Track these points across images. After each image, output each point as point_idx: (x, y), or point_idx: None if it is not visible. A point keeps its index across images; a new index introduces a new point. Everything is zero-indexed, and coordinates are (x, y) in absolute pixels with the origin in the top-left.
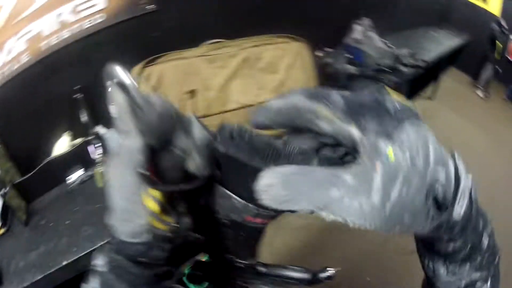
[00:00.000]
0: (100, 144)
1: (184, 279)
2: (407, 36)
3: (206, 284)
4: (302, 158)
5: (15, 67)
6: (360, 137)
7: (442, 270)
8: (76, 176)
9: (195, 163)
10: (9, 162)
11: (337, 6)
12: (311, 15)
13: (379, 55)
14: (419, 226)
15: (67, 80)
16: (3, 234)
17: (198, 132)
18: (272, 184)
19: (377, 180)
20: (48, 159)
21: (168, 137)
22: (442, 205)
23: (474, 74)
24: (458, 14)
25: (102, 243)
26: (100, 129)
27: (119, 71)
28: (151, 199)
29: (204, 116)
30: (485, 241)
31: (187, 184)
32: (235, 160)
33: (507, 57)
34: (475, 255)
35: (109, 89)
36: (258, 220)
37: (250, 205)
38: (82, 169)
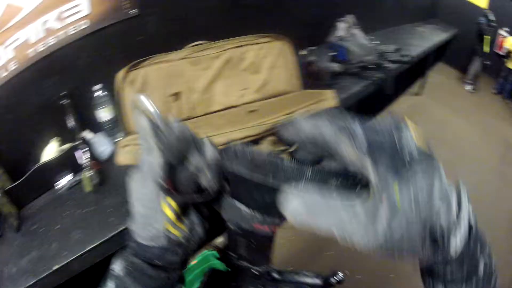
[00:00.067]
0: (87, 148)
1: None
2: (392, 33)
3: None
4: (298, 170)
5: (3, 75)
6: (373, 172)
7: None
8: (65, 181)
9: (206, 178)
10: (0, 169)
11: (320, 4)
12: (294, 14)
13: (363, 52)
14: (416, 254)
15: (54, 86)
16: None
17: (209, 151)
18: (295, 208)
19: (382, 211)
20: (37, 165)
21: (184, 155)
22: (440, 237)
23: (462, 68)
24: (446, 8)
25: (91, 246)
26: (87, 134)
27: (144, 100)
28: (168, 207)
29: (189, 118)
30: (481, 265)
31: (199, 196)
32: (239, 176)
33: (495, 51)
34: (471, 278)
35: (135, 115)
36: (266, 227)
37: (256, 214)
38: (71, 174)
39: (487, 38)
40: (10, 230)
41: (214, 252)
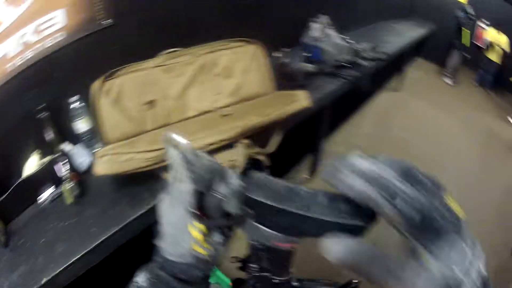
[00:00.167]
0: (66, 160)
1: None
2: (369, 31)
3: None
4: (312, 196)
5: None
6: (412, 241)
7: None
8: (47, 194)
9: (232, 205)
10: None
11: (293, 6)
12: (267, 16)
13: (338, 52)
14: None
15: (33, 99)
16: None
17: (234, 180)
18: (339, 255)
19: (407, 274)
20: (20, 179)
21: (212, 184)
22: None
23: (441, 62)
24: (423, 4)
25: (74, 258)
26: (66, 146)
27: (175, 136)
28: (196, 229)
29: (164, 125)
30: None
31: (225, 220)
32: (261, 202)
33: (475, 43)
34: None
35: (167, 148)
36: (287, 244)
37: (278, 234)
38: (53, 187)
39: (466, 31)
40: None
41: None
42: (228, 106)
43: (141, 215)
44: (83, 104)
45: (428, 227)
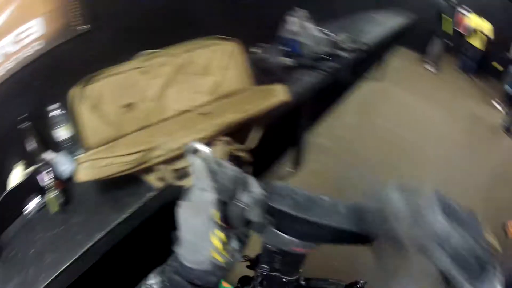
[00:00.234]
0: (50, 169)
1: None
2: (348, 22)
3: None
4: (332, 206)
5: None
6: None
7: None
8: (33, 204)
9: (254, 213)
10: None
11: (269, 1)
12: (243, 13)
13: (316, 44)
14: None
15: (15, 110)
16: None
17: (256, 189)
18: None
19: None
20: (5, 193)
21: (235, 194)
22: None
23: (423, 50)
24: None
25: (63, 267)
26: (49, 154)
27: (199, 145)
28: (216, 238)
29: (144, 128)
30: None
31: (246, 229)
32: (283, 211)
33: (457, 30)
34: None
35: (191, 158)
36: (302, 249)
37: (296, 240)
38: (38, 197)
39: (447, 18)
40: None
41: None
42: (206, 104)
43: (124, 220)
44: (63, 111)
45: (475, 266)
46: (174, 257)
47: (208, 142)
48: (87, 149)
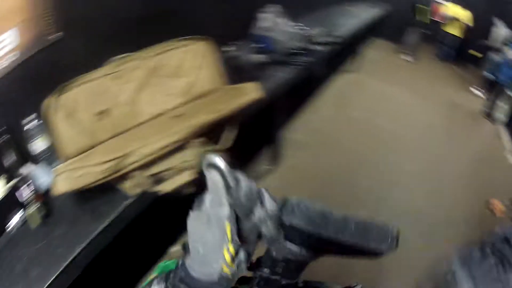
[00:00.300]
0: (30, 182)
1: None
2: (322, 15)
3: None
4: (344, 222)
5: None
6: None
7: None
8: (15, 220)
9: (267, 228)
10: None
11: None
12: (214, 12)
13: (289, 39)
14: None
15: None
16: None
17: (270, 204)
18: None
19: None
20: None
21: (250, 210)
22: None
23: (400, 40)
24: None
25: (49, 282)
26: (28, 167)
27: (216, 159)
28: (227, 252)
29: (118, 134)
30: None
31: (257, 243)
32: (296, 226)
33: (432, 18)
34: None
35: (208, 172)
36: (308, 258)
37: (306, 252)
38: (21, 211)
39: (423, 8)
40: None
41: (174, 261)
42: (180, 106)
43: (103, 230)
44: (40, 122)
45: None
46: (181, 265)
47: (183, 144)
48: (64, 159)
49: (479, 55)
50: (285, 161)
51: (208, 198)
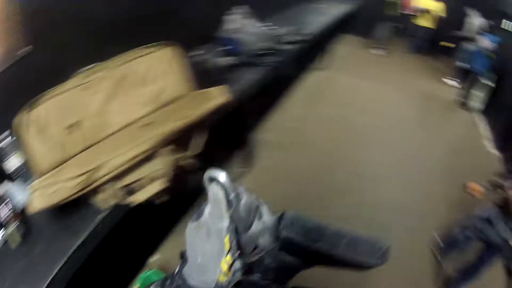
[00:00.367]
0: (8, 200)
1: None
2: (290, 14)
3: None
4: (337, 237)
5: None
6: None
7: None
8: None
9: (265, 241)
10: None
11: (205, 2)
12: (180, 17)
13: (256, 40)
14: None
15: None
16: None
17: (267, 217)
18: None
19: None
20: None
21: (250, 223)
22: None
23: (371, 35)
24: None
25: None
26: (4, 186)
27: (218, 173)
28: (225, 262)
29: (90, 146)
30: None
31: (257, 255)
32: (293, 239)
33: (403, 12)
34: None
35: (209, 186)
36: (300, 267)
37: (300, 262)
38: (1, 230)
39: (394, 1)
40: None
41: (155, 271)
42: (149, 114)
43: (80, 246)
44: (14, 139)
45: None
46: (178, 274)
47: (152, 153)
48: (38, 175)
49: (452, 45)
50: (258, 163)
51: (207, 210)
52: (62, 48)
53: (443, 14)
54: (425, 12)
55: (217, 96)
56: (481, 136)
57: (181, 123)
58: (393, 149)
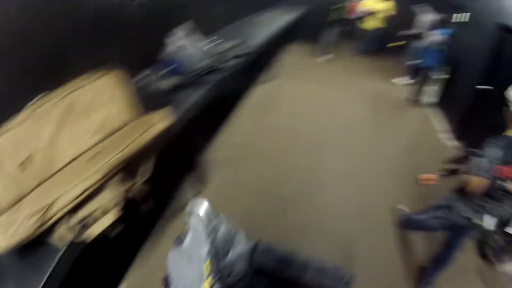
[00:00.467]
0: None
1: None
2: (235, 28)
3: None
4: (305, 265)
5: None
6: None
7: None
8: None
9: (241, 266)
10: None
11: (145, 27)
12: (123, 43)
13: (199, 58)
14: None
15: None
16: None
17: (243, 246)
18: None
19: None
20: None
21: (228, 251)
22: None
23: (317, 41)
24: None
25: None
26: None
27: (198, 205)
28: (208, 284)
29: (44, 181)
30: None
31: (234, 277)
32: (265, 267)
33: (349, 18)
34: None
35: (190, 215)
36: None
37: (270, 286)
38: None
39: (339, 6)
40: None
41: None
42: (97, 143)
43: (45, 283)
44: None
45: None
46: None
47: (102, 184)
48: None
49: (401, 43)
50: (210, 183)
51: (188, 237)
52: (13, 80)
53: (393, 12)
54: (371, 14)
55: (160, 121)
56: (436, 130)
57: (126, 152)
58: (345, 153)
